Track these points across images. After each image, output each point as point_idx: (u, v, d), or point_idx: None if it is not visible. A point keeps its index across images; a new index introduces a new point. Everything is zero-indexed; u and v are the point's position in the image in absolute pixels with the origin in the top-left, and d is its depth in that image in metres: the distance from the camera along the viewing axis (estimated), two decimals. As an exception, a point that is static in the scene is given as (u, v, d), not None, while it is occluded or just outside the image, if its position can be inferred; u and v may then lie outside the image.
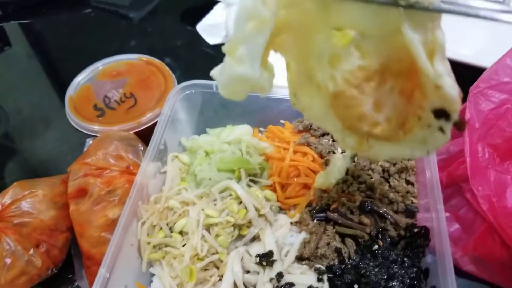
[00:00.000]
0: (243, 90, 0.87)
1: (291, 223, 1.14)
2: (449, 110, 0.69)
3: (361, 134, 0.84)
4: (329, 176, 1.12)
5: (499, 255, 1.13)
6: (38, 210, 1.15)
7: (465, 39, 1.73)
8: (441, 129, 0.73)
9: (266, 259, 1.01)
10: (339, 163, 1.12)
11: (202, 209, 1.08)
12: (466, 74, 1.33)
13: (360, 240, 1.03)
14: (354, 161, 1.13)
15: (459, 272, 1.13)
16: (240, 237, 1.10)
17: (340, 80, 0.77)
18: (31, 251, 1.11)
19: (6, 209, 1.12)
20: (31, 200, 1.15)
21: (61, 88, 1.56)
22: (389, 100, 0.78)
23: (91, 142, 1.32)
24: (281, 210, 1.19)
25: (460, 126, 0.74)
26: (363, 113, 0.79)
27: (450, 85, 0.66)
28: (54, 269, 1.16)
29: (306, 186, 1.19)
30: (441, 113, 0.70)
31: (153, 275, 1.07)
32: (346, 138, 0.90)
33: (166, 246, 1.07)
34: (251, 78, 0.80)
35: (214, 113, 1.39)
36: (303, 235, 1.09)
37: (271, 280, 0.97)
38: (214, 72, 0.87)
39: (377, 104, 0.79)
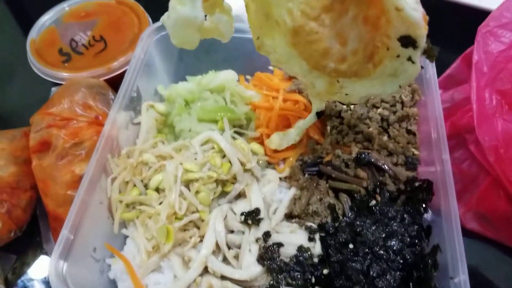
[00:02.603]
0: (193, 36, 0.84)
1: (280, 178, 1.03)
2: (414, 36, 0.67)
3: (329, 73, 0.80)
4: (284, 138, 1.01)
5: (504, 210, 1.04)
6: (-4, 165, 1.03)
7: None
8: (411, 59, 0.71)
9: (252, 217, 0.90)
10: (299, 124, 1.01)
11: (181, 163, 0.96)
12: (470, 17, 1.22)
13: (355, 195, 0.93)
14: (318, 118, 0.99)
15: (462, 229, 1.04)
16: (223, 194, 0.99)
17: (297, 13, 0.74)
18: (-10, 211, 1.00)
19: (-42, 164, 1.00)
20: (-13, 154, 1.03)
21: (23, 30, 1.39)
22: (353, 31, 0.73)
23: (56, 91, 1.17)
24: (269, 164, 1.08)
25: (430, 54, 0.72)
26: (327, 48, 0.76)
27: (412, 7, 0.64)
28: (17, 232, 1.04)
29: (297, 137, 1.07)
30: (407, 41, 0.68)
31: (126, 237, 0.96)
32: (315, 81, 0.85)
33: (141, 204, 0.95)
34: (194, 19, 0.78)
35: (195, 58, 1.24)
36: (293, 191, 0.98)
37: (257, 240, 0.87)
38: (163, 18, 0.83)
39: (340, 36, 0.74)
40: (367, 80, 0.79)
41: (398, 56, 0.71)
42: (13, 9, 1.72)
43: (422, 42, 0.67)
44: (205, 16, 0.86)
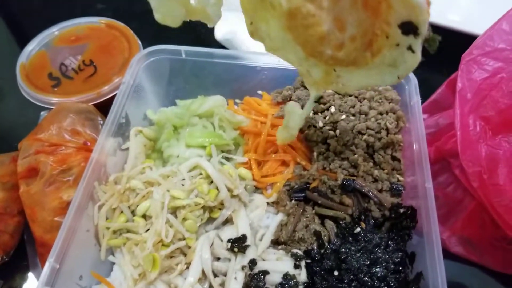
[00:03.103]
0: (176, 9, 0.82)
1: (267, 203, 1.04)
2: (416, 21, 0.62)
3: (325, 61, 0.76)
4: (288, 128, 0.97)
5: (489, 235, 1.06)
6: (-17, 192, 1.03)
7: (455, 3, 1.62)
8: (411, 48, 0.67)
9: (238, 244, 0.91)
10: (296, 109, 0.95)
11: (168, 190, 0.97)
12: (456, 41, 1.24)
13: (341, 222, 0.94)
14: (317, 102, 0.96)
15: (447, 253, 1.05)
16: (210, 220, 1.00)
17: None
18: (-24, 238, 0.99)
19: None
20: (-26, 181, 1.03)
21: (12, 54, 1.39)
22: (352, 15, 0.69)
23: (45, 116, 1.18)
24: (257, 189, 1.09)
25: (431, 44, 0.69)
26: (324, 33, 0.71)
27: None
28: (4, 257, 1.04)
29: (285, 164, 1.09)
30: (409, 28, 0.64)
31: (113, 263, 0.96)
32: (311, 69, 0.80)
33: (128, 231, 0.96)
34: None
35: (185, 82, 1.26)
36: (280, 216, 0.99)
37: (243, 268, 0.88)
38: None
39: (338, 21, 0.70)
40: (365, 69, 0.75)
41: (398, 45, 0.68)
42: (2, 33, 1.73)
43: (424, 28, 0.63)
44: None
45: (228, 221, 1.00)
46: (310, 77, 0.83)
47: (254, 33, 0.83)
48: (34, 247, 1.07)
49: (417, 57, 0.68)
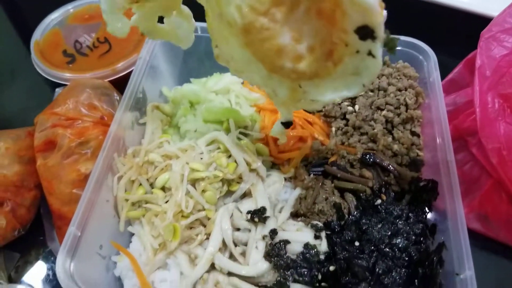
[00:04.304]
0: (119, 21, 0.89)
1: (285, 179, 1.04)
2: (371, 24, 0.61)
3: (288, 75, 0.75)
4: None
5: (506, 212, 1.06)
6: (0, 164, 1.02)
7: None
8: (371, 53, 0.66)
9: (258, 215, 0.91)
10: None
11: (187, 163, 0.96)
12: (471, 23, 1.24)
13: (361, 195, 0.94)
14: (286, 127, 0.92)
15: (464, 229, 1.06)
16: (229, 193, 0.99)
17: (245, 9, 0.69)
18: (-6, 210, 0.99)
19: (-38, 163, 0.99)
20: (-9, 153, 1.02)
21: (27, 32, 1.39)
22: (307, 25, 0.69)
23: (61, 92, 1.18)
24: (274, 165, 1.08)
25: (390, 46, 0.68)
26: (281, 45, 0.70)
27: None
28: (21, 230, 1.04)
29: (302, 139, 1.08)
30: (365, 32, 0.63)
31: (132, 234, 0.96)
32: (277, 88, 0.80)
33: (146, 203, 0.95)
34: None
35: (199, 62, 1.25)
36: (299, 190, 0.99)
37: (264, 237, 0.88)
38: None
39: (294, 32, 0.70)
40: (329, 81, 0.74)
41: (358, 51, 0.67)
42: (17, 10, 1.72)
43: (380, 31, 0.62)
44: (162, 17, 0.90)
45: (246, 195, 1.00)
46: (277, 97, 0.82)
47: (219, 56, 0.85)
48: (50, 221, 1.06)
49: (379, 62, 0.67)
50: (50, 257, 1.05)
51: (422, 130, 1.05)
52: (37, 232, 1.08)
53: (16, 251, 1.05)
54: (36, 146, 1.04)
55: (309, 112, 1.09)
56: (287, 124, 0.91)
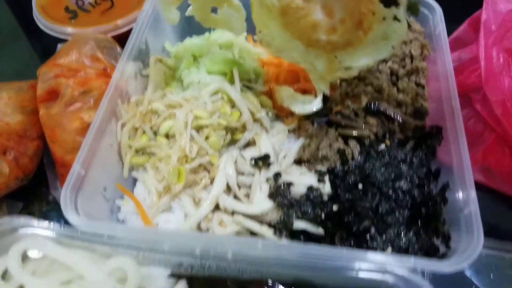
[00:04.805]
0: (170, 11, 1.03)
1: (288, 131, 1.03)
2: None
3: (323, 47, 0.85)
4: (289, 100, 1.01)
5: (508, 165, 1.06)
6: (3, 112, 1.02)
7: None
8: (396, 18, 0.77)
9: (262, 161, 0.91)
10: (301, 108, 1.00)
11: (191, 111, 0.96)
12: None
13: (365, 141, 0.93)
14: (324, 104, 0.98)
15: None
16: (233, 142, 0.99)
17: None
18: (-3, 157, 0.99)
19: (-35, 110, 0.99)
20: (-6, 102, 1.02)
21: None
22: (337, 1, 0.79)
23: (63, 45, 1.17)
24: (277, 118, 1.08)
25: (414, 10, 0.84)
26: (315, 21, 0.82)
27: None
28: (24, 179, 1.04)
29: (306, 92, 1.08)
30: (389, 0, 0.75)
31: (136, 181, 0.96)
32: (315, 62, 0.89)
33: (150, 150, 0.95)
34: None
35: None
36: (302, 140, 0.99)
37: (268, 180, 0.88)
38: None
39: (326, 8, 0.80)
40: (361, 48, 0.84)
41: (384, 18, 0.77)
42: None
43: None
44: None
45: (250, 144, 1.00)
46: (316, 71, 0.91)
47: (262, 40, 0.93)
48: (53, 171, 1.06)
49: (404, 25, 0.78)
50: (54, 206, 1.05)
51: (427, 82, 1.04)
52: (40, 183, 1.08)
53: (20, 200, 1.05)
54: (39, 96, 1.03)
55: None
56: (325, 100, 0.98)
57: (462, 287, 0.93)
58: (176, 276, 0.79)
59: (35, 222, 0.77)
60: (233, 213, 0.87)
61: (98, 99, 1.00)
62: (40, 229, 0.78)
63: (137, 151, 0.96)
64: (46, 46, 1.27)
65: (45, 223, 0.77)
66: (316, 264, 0.71)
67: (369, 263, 0.70)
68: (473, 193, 0.76)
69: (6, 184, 1.00)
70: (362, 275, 0.70)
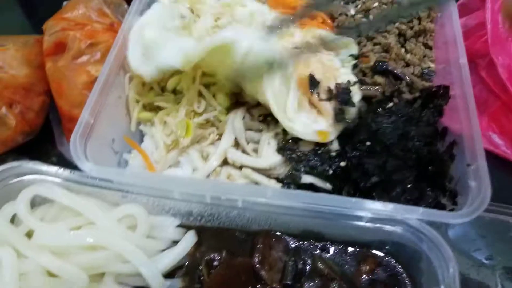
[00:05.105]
0: None
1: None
2: None
3: None
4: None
5: (512, 131, 1.07)
6: (10, 65, 1.01)
7: None
8: None
9: (271, 117, 0.91)
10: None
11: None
12: None
13: (372, 100, 0.94)
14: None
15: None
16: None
17: None
18: (4, 110, 0.98)
19: (-28, 60, 0.98)
20: (1, 54, 1.01)
21: None
22: None
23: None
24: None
25: None
26: None
27: None
28: (30, 134, 1.04)
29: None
30: None
31: (143, 138, 0.96)
32: None
33: (158, 106, 0.95)
34: None
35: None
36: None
37: (276, 134, 0.88)
38: None
39: None
40: None
41: None
42: None
43: None
44: None
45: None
46: None
47: None
48: (59, 127, 1.06)
49: None
50: (60, 162, 1.05)
51: (435, 44, 1.04)
52: (45, 139, 1.08)
53: (25, 155, 1.05)
54: (46, 49, 1.02)
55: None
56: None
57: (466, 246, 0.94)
58: (185, 226, 0.80)
59: (44, 167, 0.78)
60: (241, 167, 0.87)
61: (105, 52, 0.99)
62: (49, 176, 0.79)
63: (144, 106, 0.96)
64: (51, 4, 1.25)
65: (55, 168, 0.77)
66: (325, 214, 0.72)
67: (378, 212, 0.71)
68: (480, 148, 0.76)
69: (12, 137, 1.00)
70: (371, 224, 0.72)
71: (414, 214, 0.70)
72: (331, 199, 0.72)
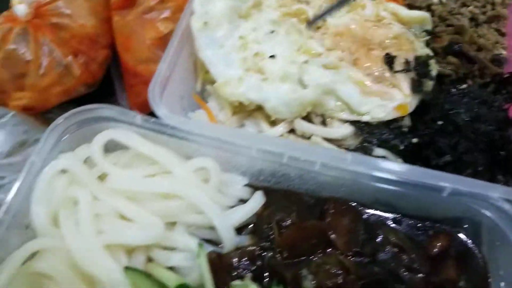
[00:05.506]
0: None
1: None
2: None
3: None
4: None
5: None
6: (78, 14, 1.00)
7: None
8: None
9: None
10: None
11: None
12: None
13: (445, 79, 0.92)
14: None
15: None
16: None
17: None
18: (69, 58, 0.98)
19: (43, 6, 0.97)
20: (70, 2, 1.00)
21: None
22: None
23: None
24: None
25: None
26: None
27: None
28: (92, 86, 1.03)
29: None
30: None
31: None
32: None
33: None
34: None
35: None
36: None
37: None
38: None
39: None
40: None
41: None
42: None
43: None
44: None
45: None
46: None
47: None
48: (121, 82, 1.06)
49: None
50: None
51: (507, 30, 1.02)
52: (106, 93, 1.07)
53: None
54: (114, 2, 1.01)
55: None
56: None
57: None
58: (252, 186, 0.80)
59: (122, 112, 0.77)
60: (309, 137, 0.86)
61: (175, 11, 0.98)
62: (125, 124, 0.78)
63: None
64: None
65: (132, 113, 0.77)
66: (403, 184, 0.71)
67: (457, 186, 0.69)
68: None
69: (75, 87, 1.00)
70: (451, 197, 0.70)
71: (495, 192, 0.69)
72: (411, 169, 0.71)
